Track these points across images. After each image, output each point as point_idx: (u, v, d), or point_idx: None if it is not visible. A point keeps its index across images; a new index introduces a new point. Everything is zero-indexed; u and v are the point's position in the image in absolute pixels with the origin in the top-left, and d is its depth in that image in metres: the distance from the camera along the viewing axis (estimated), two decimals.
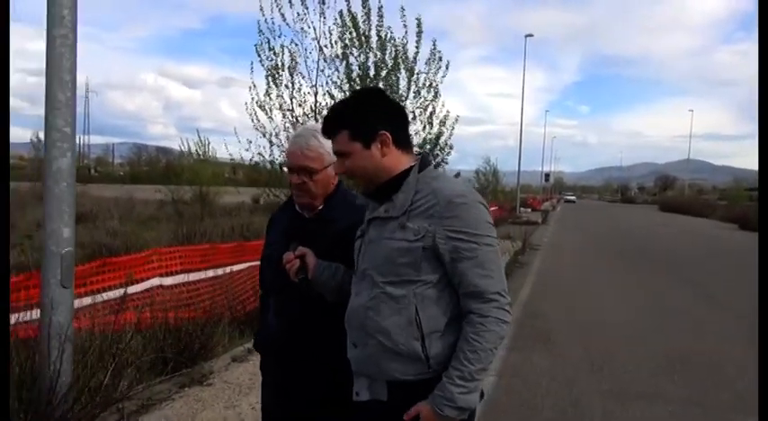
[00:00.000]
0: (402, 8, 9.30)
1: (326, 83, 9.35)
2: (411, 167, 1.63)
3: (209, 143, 25.80)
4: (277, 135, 9.56)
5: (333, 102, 9.26)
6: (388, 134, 1.60)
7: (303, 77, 9.24)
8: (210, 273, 5.29)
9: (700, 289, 9.65)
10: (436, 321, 1.55)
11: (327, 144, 1.77)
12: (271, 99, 9.34)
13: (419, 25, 9.34)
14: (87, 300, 4.03)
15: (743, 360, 5.20)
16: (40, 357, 2.80)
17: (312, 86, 9.33)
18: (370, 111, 1.61)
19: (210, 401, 3.64)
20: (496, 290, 1.52)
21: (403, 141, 1.65)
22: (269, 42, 9.05)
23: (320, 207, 1.91)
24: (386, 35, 9.12)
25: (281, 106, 9.43)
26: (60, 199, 2.80)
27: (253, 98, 9.40)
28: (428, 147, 10.08)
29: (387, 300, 1.56)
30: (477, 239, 1.52)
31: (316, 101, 9.39)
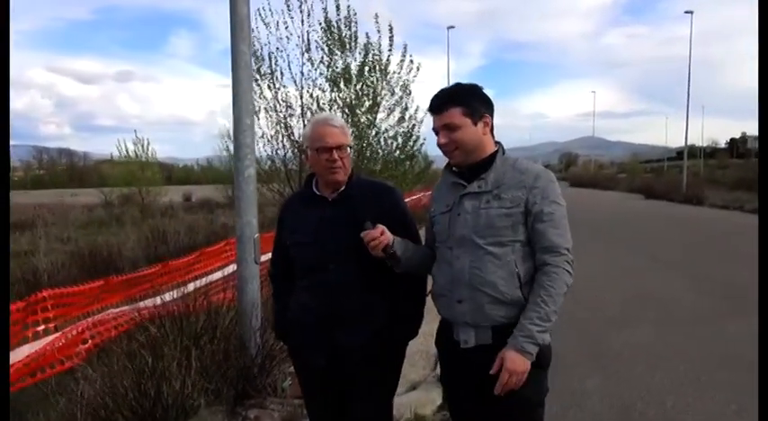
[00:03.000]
0: (376, 15, 10.37)
1: (311, 85, 10.23)
2: (496, 151, 1.99)
3: (148, 143, 25.51)
4: (263, 135, 10.34)
5: (316, 102, 10.21)
6: (490, 118, 1.98)
7: (281, 77, 10.00)
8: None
9: (641, 248, 11.57)
10: (530, 272, 1.90)
11: (347, 127, 2.20)
12: (259, 100, 10.11)
13: (391, 30, 10.44)
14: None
15: (683, 292, 6.92)
16: (243, 316, 3.73)
17: (298, 89, 10.19)
18: (477, 97, 1.97)
19: None
20: (566, 246, 1.87)
21: (493, 129, 2.00)
22: (254, 46, 9.82)
23: (342, 188, 2.16)
24: (368, 40, 10.15)
25: (266, 109, 10.22)
26: (250, 198, 3.73)
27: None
28: (400, 140, 11.25)
29: (491, 259, 1.88)
30: (555, 205, 1.90)
31: (302, 102, 10.26)
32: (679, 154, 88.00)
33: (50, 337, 3.08)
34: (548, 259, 1.85)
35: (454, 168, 2.05)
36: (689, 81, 30.58)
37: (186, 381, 3.13)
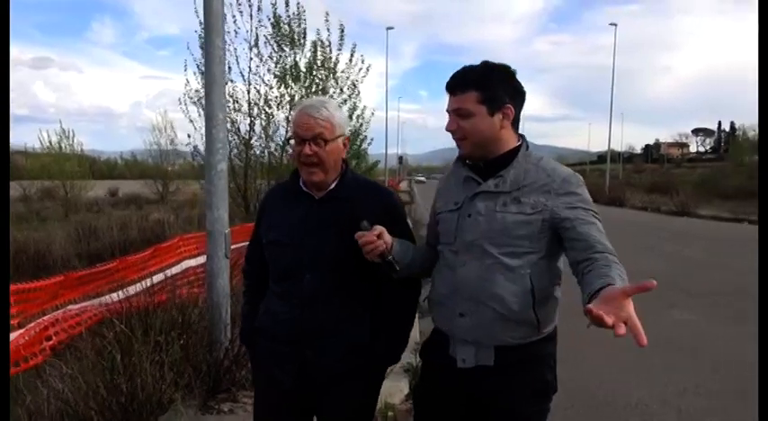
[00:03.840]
0: (326, 13, 10.40)
1: (258, 81, 10.14)
2: (519, 146, 1.71)
3: (73, 135, 24.10)
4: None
5: (264, 98, 10.13)
6: (512, 109, 1.67)
7: (229, 72, 9.89)
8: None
9: None
10: (546, 289, 1.65)
11: (337, 115, 1.82)
12: (201, 94, 9.91)
13: (342, 30, 10.51)
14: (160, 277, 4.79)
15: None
16: (213, 310, 3.71)
17: (246, 84, 10.06)
18: (502, 83, 1.66)
19: None
20: (613, 250, 1.53)
21: (517, 121, 1.71)
22: (201, 39, 9.64)
23: (332, 186, 1.87)
24: (318, 37, 10.16)
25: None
26: (222, 192, 3.71)
27: (185, 94, 9.95)
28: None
29: (503, 270, 1.62)
30: (591, 212, 1.61)
31: (249, 97, 10.14)
32: (600, 158, 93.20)
33: (15, 334, 2.96)
34: (607, 253, 1.49)
35: (468, 161, 1.77)
36: (612, 89, 32.54)
37: (159, 376, 3.10)
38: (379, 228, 1.68)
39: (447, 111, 1.71)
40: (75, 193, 24.62)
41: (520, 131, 1.76)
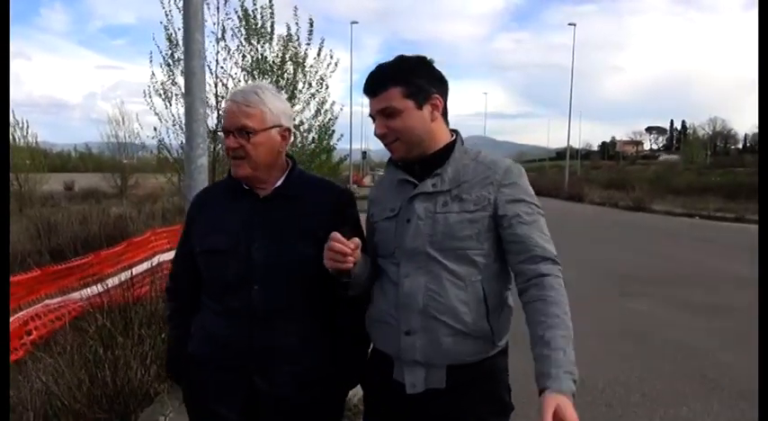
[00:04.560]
0: (295, 8, 10.39)
1: (225, 74, 10.05)
2: (454, 141, 1.57)
3: (27, 126, 23.22)
4: (174, 123, 10.01)
5: (227, 90, 10.07)
6: (441, 99, 1.54)
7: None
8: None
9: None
10: (499, 296, 1.50)
11: (271, 102, 1.60)
12: (166, 86, 9.75)
13: (311, 24, 10.51)
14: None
15: (575, 277, 7.81)
16: None
17: (212, 77, 9.96)
18: (424, 73, 1.53)
19: None
20: (555, 254, 1.45)
21: (446, 113, 1.58)
22: (167, 31, 9.50)
23: (278, 183, 1.65)
24: (288, 31, 10.14)
25: (177, 96, 9.89)
26: (203, 186, 3.74)
27: (150, 86, 9.78)
28: (314, 134, 11.36)
29: (452, 278, 1.46)
30: (534, 206, 1.50)
31: (216, 91, 10.05)
32: (559, 154, 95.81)
33: None
34: (543, 269, 1.41)
35: (400, 163, 1.60)
36: (571, 88, 33.42)
37: (143, 369, 3.14)
38: (356, 242, 1.43)
39: (371, 115, 1.56)
40: (30, 187, 23.74)
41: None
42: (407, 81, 1.49)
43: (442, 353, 1.47)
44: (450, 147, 1.56)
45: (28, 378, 2.96)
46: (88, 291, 3.62)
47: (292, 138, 1.66)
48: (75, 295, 3.75)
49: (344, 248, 1.40)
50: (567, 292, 1.40)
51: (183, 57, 10.19)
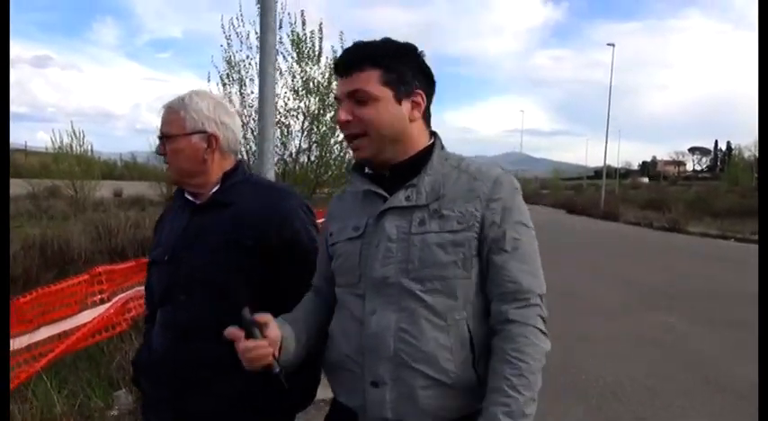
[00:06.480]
0: (341, 32, 11.17)
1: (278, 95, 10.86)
2: (432, 146, 1.29)
3: (83, 136, 24.82)
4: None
5: (283, 109, 10.87)
6: (424, 96, 1.27)
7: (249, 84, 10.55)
8: None
9: (570, 254, 12.97)
10: (488, 337, 1.20)
11: (196, 107, 1.49)
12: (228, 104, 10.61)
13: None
14: None
15: (605, 290, 8.19)
16: None
17: None
18: (410, 61, 1.26)
19: None
20: (538, 292, 1.19)
21: (428, 115, 1.31)
22: (227, 53, 10.43)
23: (214, 189, 1.55)
24: (333, 53, 10.91)
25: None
26: None
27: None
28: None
29: (430, 316, 1.18)
30: (522, 228, 1.22)
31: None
32: (597, 173, 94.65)
33: (103, 307, 3.63)
34: (510, 313, 1.16)
35: (367, 170, 1.33)
36: (609, 107, 33.47)
37: None
38: (272, 331, 1.19)
39: (336, 98, 1.29)
40: (84, 193, 25.31)
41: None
42: (389, 66, 1.23)
43: (419, 410, 1.18)
44: (427, 153, 1.27)
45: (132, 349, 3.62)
46: None
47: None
48: None
49: (251, 343, 1.15)
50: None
51: (236, 76, 11.04)
